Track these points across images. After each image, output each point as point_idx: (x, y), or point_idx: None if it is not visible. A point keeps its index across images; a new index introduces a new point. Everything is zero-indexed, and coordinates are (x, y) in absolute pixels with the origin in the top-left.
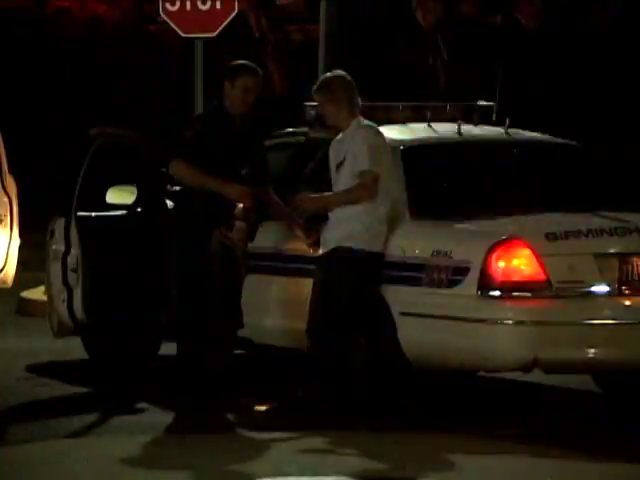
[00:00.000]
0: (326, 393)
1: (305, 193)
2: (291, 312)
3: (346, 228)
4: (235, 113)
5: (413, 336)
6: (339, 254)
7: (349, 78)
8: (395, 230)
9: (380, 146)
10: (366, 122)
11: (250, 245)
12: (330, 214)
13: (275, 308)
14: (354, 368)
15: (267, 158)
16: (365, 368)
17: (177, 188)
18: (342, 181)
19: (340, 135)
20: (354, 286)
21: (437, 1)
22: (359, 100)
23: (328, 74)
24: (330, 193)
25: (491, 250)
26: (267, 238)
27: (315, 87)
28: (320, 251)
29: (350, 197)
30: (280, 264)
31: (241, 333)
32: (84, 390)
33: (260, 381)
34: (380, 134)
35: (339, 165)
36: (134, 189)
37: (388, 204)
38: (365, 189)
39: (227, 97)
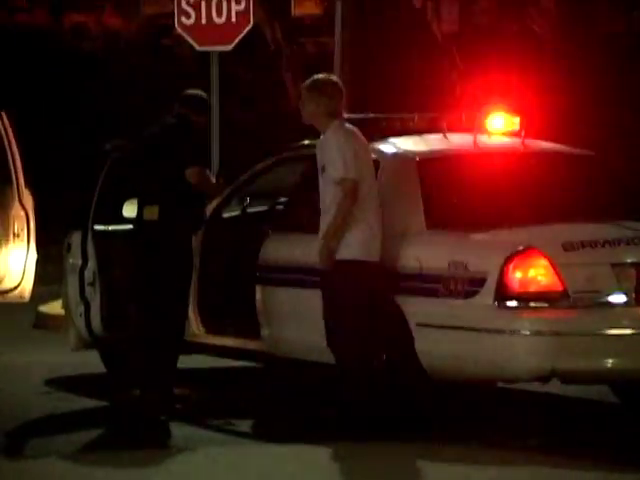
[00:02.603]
0: (357, 407)
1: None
2: (311, 324)
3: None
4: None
5: (430, 347)
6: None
7: (337, 83)
8: (411, 241)
9: (355, 150)
10: (342, 125)
11: (268, 257)
12: (322, 224)
13: (295, 321)
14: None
15: None
16: (382, 380)
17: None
18: (325, 190)
19: (321, 137)
20: (355, 297)
21: (453, 11)
22: (340, 107)
23: (321, 75)
24: (323, 230)
25: (508, 260)
26: (285, 250)
27: (305, 85)
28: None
29: (338, 220)
30: (298, 276)
31: (260, 346)
32: (102, 404)
33: (281, 394)
34: (355, 137)
35: (322, 170)
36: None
37: (378, 210)
38: (345, 200)
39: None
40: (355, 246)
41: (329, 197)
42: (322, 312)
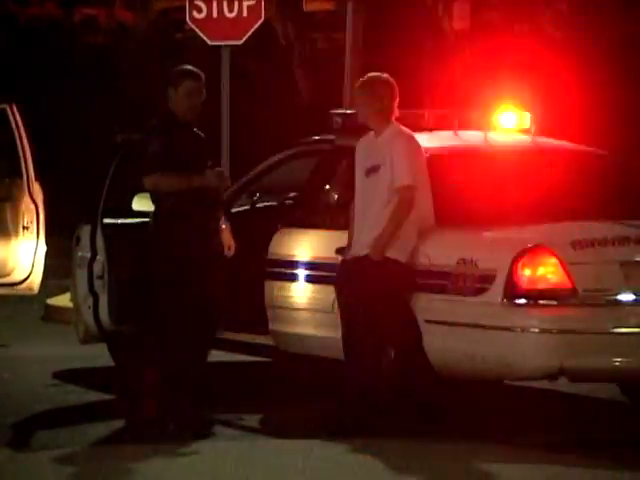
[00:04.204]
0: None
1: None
2: (317, 320)
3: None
4: (184, 120)
5: (438, 344)
6: (368, 261)
7: (392, 83)
8: (421, 237)
9: (418, 156)
10: (403, 129)
11: (277, 252)
12: (360, 219)
13: (302, 316)
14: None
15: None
16: (390, 376)
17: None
18: (375, 192)
19: (370, 137)
20: (380, 293)
21: (464, 8)
22: (394, 106)
23: (373, 74)
24: (379, 233)
25: (517, 258)
26: (292, 245)
27: (357, 84)
28: (346, 253)
29: (397, 221)
30: (306, 271)
31: (269, 341)
32: (110, 397)
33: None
34: (417, 142)
35: (370, 170)
36: None
37: (416, 214)
38: (404, 206)
39: (173, 104)
40: (400, 249)
41: (384, 198)
42: (341, 309)
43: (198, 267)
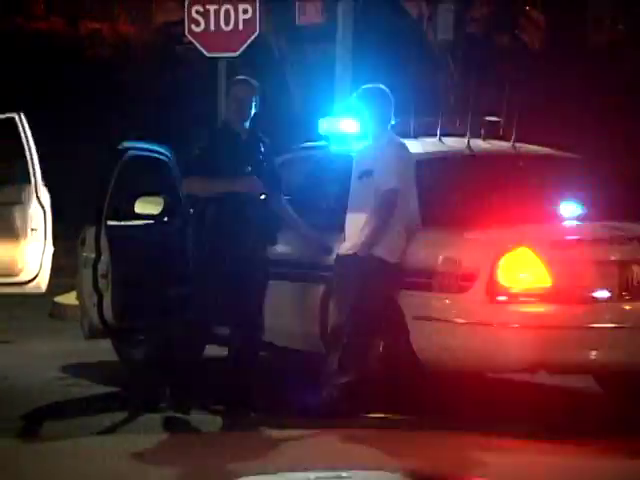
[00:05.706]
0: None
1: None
2: (308, 316)
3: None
4: (236, 127)
5: (424, 339)
6: (356, 259)
7: (387, 92)
8: (409, 238)
9: (407, 165)
10: (396, 138)
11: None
12: (353, 218)
13: (292, 312)
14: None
15: (276, 168)
16: (379, 368)
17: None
18: (367, 194)
19: (368, 143)
20: (364, 289)
21: (448, 20)
22: (390, 115)
23: (369, 85)
24: (366, 232)
25: (498, 258)
26: (284, 245)
27: (356, 93)
28: (339, 249)
29: (382, 220)
30: (299, 270)
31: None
32: (114, 390)
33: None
34: (408, 151)
35: (363, 175)
36: (161, 200)
37: (405, 218)
38: (387, 207)
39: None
40: (388, 249)
41: (375, 201)
42: (325, 302)
43: (230, 269)
